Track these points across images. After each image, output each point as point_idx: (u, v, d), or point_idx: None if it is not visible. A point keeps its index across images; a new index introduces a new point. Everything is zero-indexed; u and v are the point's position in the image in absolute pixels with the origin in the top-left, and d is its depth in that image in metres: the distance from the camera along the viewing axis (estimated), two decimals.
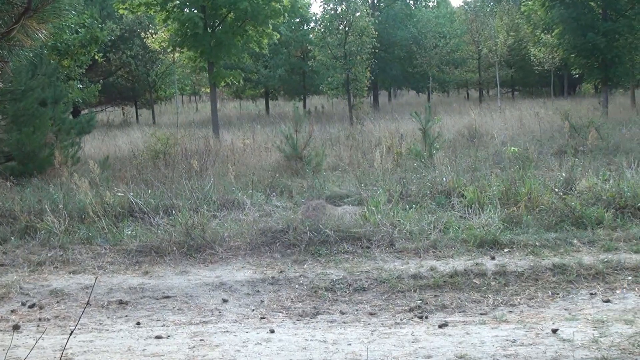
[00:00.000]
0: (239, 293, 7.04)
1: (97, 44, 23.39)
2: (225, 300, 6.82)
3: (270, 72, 43.32)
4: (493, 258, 7.72)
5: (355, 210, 9.76)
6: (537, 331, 5.49)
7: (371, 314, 6.35)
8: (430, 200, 10.14)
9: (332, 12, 33.67)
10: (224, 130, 24.41)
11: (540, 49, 34.69)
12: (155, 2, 22.83)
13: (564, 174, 10.79)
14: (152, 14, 25.40)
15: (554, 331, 5.43)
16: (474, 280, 7.06)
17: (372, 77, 36.47)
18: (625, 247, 7.92)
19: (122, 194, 10.46)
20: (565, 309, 6.22)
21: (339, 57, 32.21)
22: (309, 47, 40.72)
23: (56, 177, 12.74)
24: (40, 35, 3.34)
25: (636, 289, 6.66)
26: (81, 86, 26.37)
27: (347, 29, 32.01)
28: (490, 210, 9.23)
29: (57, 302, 6.92)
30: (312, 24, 45.47)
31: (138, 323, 6.24)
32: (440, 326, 5.79)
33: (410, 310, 6.39)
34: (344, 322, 6.11)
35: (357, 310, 6.48)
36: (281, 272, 7.59)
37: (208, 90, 32.36)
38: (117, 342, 5.59)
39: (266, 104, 47.95)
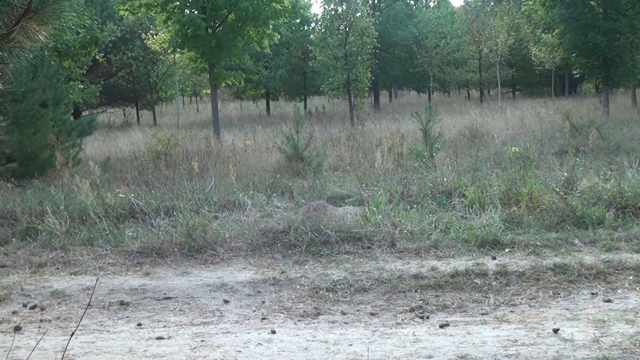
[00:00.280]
0: (240, 294, 7.04)
1: (97, 45, 23.39)
2: (226, 301, 6.82)
3: (271, 72, 43.33)
4: (494, 258, 7.72)
5: (356, 210, 9.76)
6: (538, 331, 5.49)
7: (372, 314, 6.35)
8: (431, 200, 10.14)
9: (333, 12, 33.67)
10: (225, 131, 24.42)
11: (540, 49, 34.67)
12: (155, 3, 22.84)
13: (565, 174, 10.79)
14: (152, 15, 25.43)
15: (555, 331, 5.43)
16: (475, 280, 7.06)
17: (373, 78, 36.45)
18: (627, 247, 7.92)
19: (123, 195, 10.47)
20: (566, 309, 6.21)
21: (339, 58, 32.21)
22: (309, 48, 40.72)
23: (57, 179, 12.75)
24: (40, 36, 3.34)
25: (637, 288, 6.65)
26: (82, 87, 26.37)
27: (347, 29, 32.00)
28: (491, 210, 9.22)
29: (59, 303, 6.92)
30: (313, 25, 45.50)
31: (139, 324, 6.24)
32: (442, 326, 5.79)
33: (412, 310, 6.39)
34: (345, 323, 6.11)
35: (358, 310, 6.48)
36: (282, 272, 7.59)
37: (209, 91, 32.39)
38: (118, 343, 5.59)
39: (267, 104, 47.96)
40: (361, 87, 31.98)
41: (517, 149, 14.01)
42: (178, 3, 22.99)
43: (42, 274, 7.93)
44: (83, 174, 12.54)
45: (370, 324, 6.02)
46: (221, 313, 6.52)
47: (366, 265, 7.71)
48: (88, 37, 22.32)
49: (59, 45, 21.09)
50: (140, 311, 6.63)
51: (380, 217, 8.94)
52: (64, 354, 5.14)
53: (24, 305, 6.85)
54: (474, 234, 8.36)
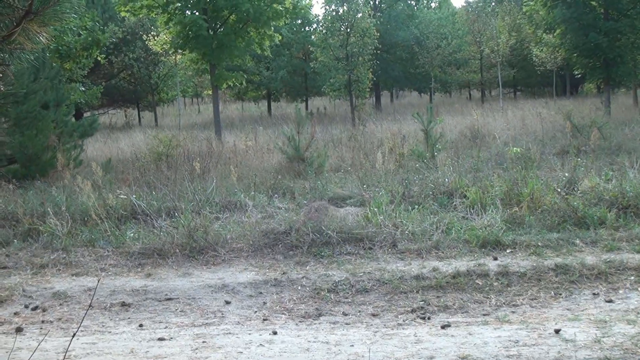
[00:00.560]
0: (241, 295, 7.04)
1: (98, 46, 23.43)
2: (227, 302, 6.82)
3: (272, 73, 43.36)
4: (495, 259, 7.72)
5: (357, 211, 9.76)
6: (539, 331, 5.49)
7: (374, 315, 6.35)
8: (433, 201, 10.14)
9: (334, 13, 33.70)
10: (226, 132, 24.45)
11: (542, 49, 34.68)
12: (157, 5, 22.87)
13: (566, 174, 10.78)
14: (154, 16, 25.46)
15: (557, 331, 5.42)
16: (477, 281, 7.06)
17: (374, 78, 36.48)
18: (628, 247, 7.91)
19: (125, 197, 10.47)
20: (567, 309, 6.21)
21: (341, 59, 32.22)
22: (311, 49, 40.73)
23: (59, 180, 12.76)
24: (41, 38, 3.35)
25: (639, 288, 6.65)
26: (83, 89, 26.41)
27: (349, 30, 32.01)
28: (492, 211, 9.22)
29: (60, 304, 6.92)
30: (314, 26, 45.51)
31: (141, 325, 6.24)
32: (443, 327, 5.79)
33: (413, 311, 6.39)
34: (347, 324, 6.11)
35: (359, 311, 6.48)
36: (283, 273, 7.59)
37: (210, 92, 32.42)
38: (119, 344, 5.60)
39: (268, 105, 47.97)
40: (362, 87, 31.99)
41: (518, 150, 14.00)
42: (179, 4, 23.00)
43: (44, 275, 7.93)
44: (84, 175, 12.55)
45: (371, 325, 6.02)
46: (222, 314, 6.52)
47: (367, 266, 7.71)
48: (90, 38, 22.36)
49: (60, 47, 21.13)
50: (141, 312, 6.64)
51: (381, 218, 8.94)
52: (65, 355, 5.15)
53: (26, 307, 6.86)
54: (475, 235, 8.35)
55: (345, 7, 32.86)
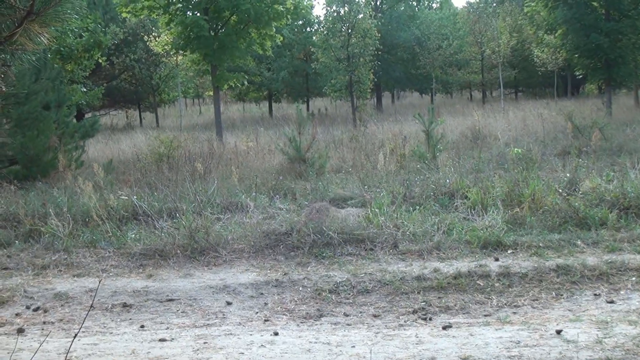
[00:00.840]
0: (242, 296, 7.04)
1: (100, 48, 23.45)
2: (229, 303, 6.82)
3: (273, 74, 43.36)
4: (497, 259, 7.72)
5: (358, 212, 9.76)
6: (541, 332, 5.48)
7: (375, 315, 6.35)
8: (434, 201, 10.14)
9: (335, 14, 33.68)
10: (228, 133, 24.46)
11: (543, 50, 34.67)
12: (158, 5, 22.89)
13: (567, 175, 10.78)
14: (155, 17, 25.48)
15: (558, 332, 5.42)
16: (478, 282, 7.06)
17: (375, 79, 36.47)
18: (629, 248, 7.91)
19: (126, 197, 10.48)
20: (569, 310, 6.21)
21: (342, 59, 32.23)
22: (312, 50, 40.75)
23: (60, 181, 12.76)
24: (42, 39, 3.35)
25: None
26: (85, 89, 26.43)
27: (350, 31, 32.02)
28: (493, 212, 9.22)
29: (62, 305, 6.93)
30: (315, 27, 45.51)
31: (142, 326, 6.24)
32: (444, 328, 5.79)
33: (414, 312, 6.39)
34: (348, 324, 6.11)
35: (361, 312, 6.48)
36: (285, 274, 7.59)
37: (211, 93, 32.43)
38: (121, 345, 5.60)
39: (269, 106, 47.98)
40: (363, 88, 31.98)
41: (519, 150, 14.00)
42: (180, 5, 23.02)
43: (45, 276, 7.94)
44: (86, 176, 12.56)
45: (372, 326, 6.02)
46: (224, 315, 6.52)
47: (369, 266, 7.70)
48: (91, 40, 22.38)
49: (62, 48, 21.15)
50: (143, 313, 6.64)
51: (382, 218, 8.94)
52: (66, 356, 5.15)
53: (27, 307, 6.86)
54: (476, 236, 8.35)
55: (346, 8, 32.84)
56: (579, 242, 8.15)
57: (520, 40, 41.82)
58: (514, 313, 6.21)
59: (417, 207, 9.68)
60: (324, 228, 8.62)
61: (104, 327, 6.26)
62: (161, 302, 6.92)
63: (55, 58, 20.93)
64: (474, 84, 49.82)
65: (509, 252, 7.99)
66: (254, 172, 13.31)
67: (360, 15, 32.40)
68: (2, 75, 3.61)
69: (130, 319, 6.52)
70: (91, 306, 6.74)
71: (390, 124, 23.33)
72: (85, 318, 6.42)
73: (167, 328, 6.13)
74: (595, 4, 25.32)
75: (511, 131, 19.02)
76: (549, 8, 26.24)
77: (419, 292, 6.89)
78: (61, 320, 6.50)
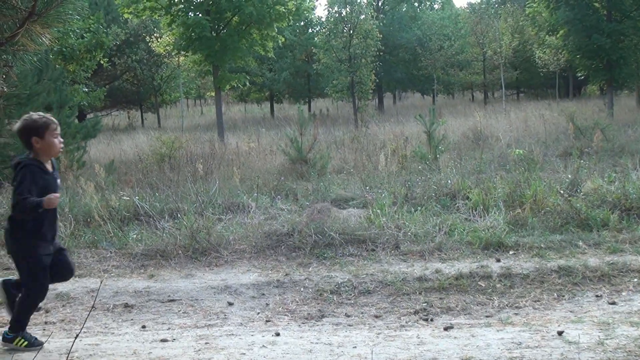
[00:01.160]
0: (244, 296, 7.04)
1: (102, 49, 23.47)
2: (230, 304, 6.82)
3: (275, 75, 43.43)
4: (498, 260, 7.71)
5: (360, 213, 9.75)
6: (542, 333, 5.48)
7: (376, 316, 6.35)
8: (435, 202, 10.13)
9: (337, 15, 33.73)
10: (229, 134, 24.48)
11: (545, 51, 34.69)
12: (159, 6, 22.91)
13: (569, 176, 10.78)
14: (157, 17, 25.51)
15: (560, 333, 5.41)
16: (479, 283, 7.05)
17: (377, 80, 36.51)
18: (631, 249, 7.90)
19: (128, 198, 10.48)
20: (570, 311, 6.20)
21: (343, 60, 32.26)
22: (313, 50, 40.80)
23: (62, 181, 12.75)
24: (44, 39, 3.36)
25: None
26: (86, 90, 26.46)
27: (351, 31, 32.04)
28: (495, 213, 9.21)
29: (63, 305, 6.93)
30: (317, 27, 45.56)
31: (143, 326, 6.24)
32: (446, 329, 5.78)
33: (416, 312, 6.39)
34: (349, 325, 6.10)
35: (362, 313, 6.47)
36: (286, 275, 7.59)
37: (213, 93, 32.46)
38: (122, 345, 5.60)
39: (271, 107, 48.03)
40: (365, 89, 32.01)
41: (521, 151, 13.99)
42: (182, 6, 23.05)
43: None
44: (87, 176, 12.56)
45: (374, 327, 6.02)
46: (225, 315, 6.52)
47: (370, 267, 7.70)
48: (93, 41, 22.40)
49: (64, 49, 21.17)
50: (144, 313, 6.64)
51: (384, 219, 8.94)
52: (68, 356, 5.15)
53: None
54: (478, 237, 8.35)
55: (348, 9, 32.88)
56: (580, 243, 8.15)
57: (522, 41, 41.86)
58: (516, 314, 6.20)
59: (419, 208, 9.67)
60: (326, 229, 8.62)
61: (106, 327, 6.26)
62: (162, 302, 6.92)
63: (57, 59, 20.96)
64: (475, 85, 49.85)
65: (510, 253, 7.99)
66: (255, 173, 13.31)
67: (362, 16, 32.44)
68: (4, 76, 3.61)
69: (132, 319, 6.52)
70: (93, 306, 6.74)
71: (391, 124, 23.33)
72: (86, 318, 6.42)
73: (169, 328, 6.13)
74: (597, 4, 25.33)
75: (513, 132, 19.01)
76: (551, 9, 26.26)
77: (420, 293, 6.89)
78: (63, 320, 6.50)
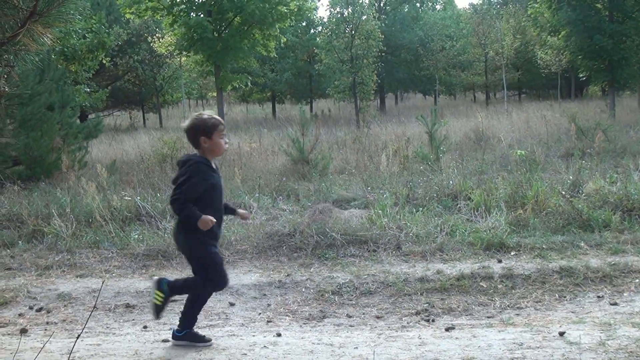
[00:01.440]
0: (245, 296, 7.04)
1: (104, 49, 23.47)
2: (232, 304, 6.82)
3: (277, 75, 43.45)
4: (500, 261, 7.70)
5: (361, 213, 9.75)
6: (544, 334, 5.47)
7: (378, 317, 6.35)
8: (437, 203, 10.12)
9: (339, 15, 33.74)
10: (231, 134, 24.45)
11: (546, 52, 34.66)
12: (161, 7, 22.94)
13: (571, 177, 10.77)
14: (158, 18, 25.54)
15: (561, 334, 5.41)
16: (481, 283, 7.05)
17: (379, 80, 36.53)
18: (633, 250, 7.89)
19: (129, 198, 10.48)
20: (572, 312, 6.20)
21: (345, 61, 32.27)
22: (315, 51, 40.81)
23: (63, 181, 12.78)
24: (46, 39, 3.36)
25: None
26: (88, 90, 26.47)
27: (353, 32, 32.05)
28: (497, 213, 9.21)
29: (65, 305, 6.93)
30: (319, 28, 45.57)
31: (145, 327, 6.25)
32: (447, 329, 5.78)
33: (417, 313, 6.38)
34: (351, 326, 6.10)
35: (363, 313, 6.47)
36: (288, 275, 7.59)
37: (215, 94, 32.46)
38: (124, 345, 5.60)
39: (273, 107, 48.05)
40: (367, 90, 32.03)
41: (523, 152, 13.97)
42: (184, 6, 23.06)
43: (48, 276, 7.95)
44: (89, 176, 12.57)
45: (375, 327, 6.01)
46: (227, 316, 6.52)
47: (372, 268, 7.70)
48: (95, 41, 22.41)
49: (65, 49, 21.19)
50: (146, 314, 6.64)
51: (385, 220, 8.93)
52: (69, 357, 5.15)
53: (30, 308, 6.87)
54: (479, 237, 8.34)
55: (350, 10, 32.88)
56: (582, 244, 8.13)
57: (524, 42, 41.86)
58: (517, 315, 6.20)
59: (420, 209, 9.67)
60: (327, 229, 8.61)
61: (107, 327, 6.26)
62: None
63: (59, 59, 20.96)
64: (477, 86, 49.84)
65: (512, 253, 7.98)
66: (257, 173, 13.31)
67: (364, 17, 32.44)
68: (6, 76, 3.61)
69: (133, 319, 6.53)
70: (94, 307, 6.75)
71: (393, 125, 23.34)
72: (88, 319, 6.43)
73: (170, 329, 6.13)
74: (599, 5, 25.33)
75: (514, 133, 19.00)
76: (553, 10, 26.26)
77: (422, 294, 6.88)
78: (64, 320, 6.51)
